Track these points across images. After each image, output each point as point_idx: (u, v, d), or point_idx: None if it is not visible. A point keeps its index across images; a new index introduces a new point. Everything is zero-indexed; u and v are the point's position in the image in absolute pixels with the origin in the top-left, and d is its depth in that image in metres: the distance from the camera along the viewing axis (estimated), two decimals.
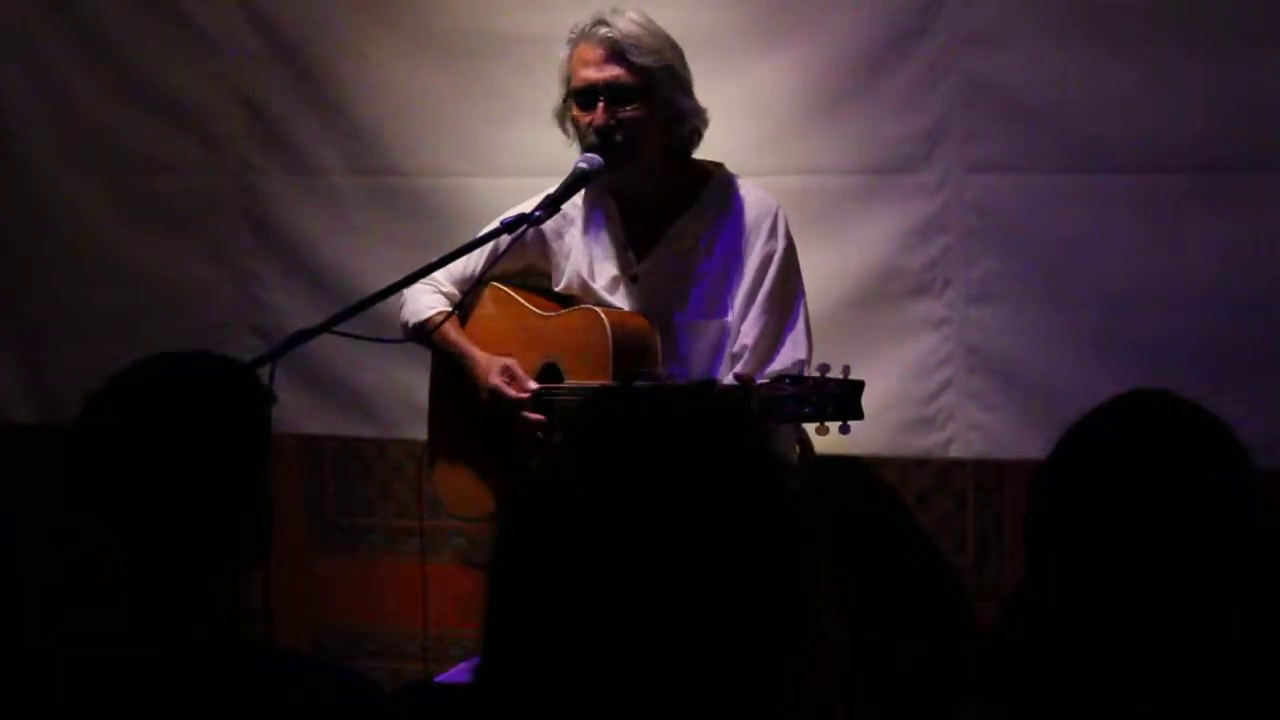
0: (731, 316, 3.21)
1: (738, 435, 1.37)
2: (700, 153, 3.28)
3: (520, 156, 3.80)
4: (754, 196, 3.24)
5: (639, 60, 3.15)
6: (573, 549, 1.30)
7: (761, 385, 2.93)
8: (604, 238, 3.32)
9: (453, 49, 3.96)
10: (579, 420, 1.40)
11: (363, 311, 3.05)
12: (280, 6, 4.10)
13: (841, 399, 2.89)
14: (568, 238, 3.35)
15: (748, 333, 3.18)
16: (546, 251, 3.36)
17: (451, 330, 3.33)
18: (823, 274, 3.47)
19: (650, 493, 1.30)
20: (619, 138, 3.16)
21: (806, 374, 2.94)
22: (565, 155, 3.24)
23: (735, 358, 3.18)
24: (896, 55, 3.65)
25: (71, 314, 4.29)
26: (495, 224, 3.20)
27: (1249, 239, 3.49)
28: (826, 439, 2.96)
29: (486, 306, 3.41)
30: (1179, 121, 3.50)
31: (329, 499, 4.25)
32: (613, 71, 3.16)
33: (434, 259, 3.18)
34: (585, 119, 3.18)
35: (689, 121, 3.21)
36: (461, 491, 3.40)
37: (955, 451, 3.70)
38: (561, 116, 3.25)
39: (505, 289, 3.40)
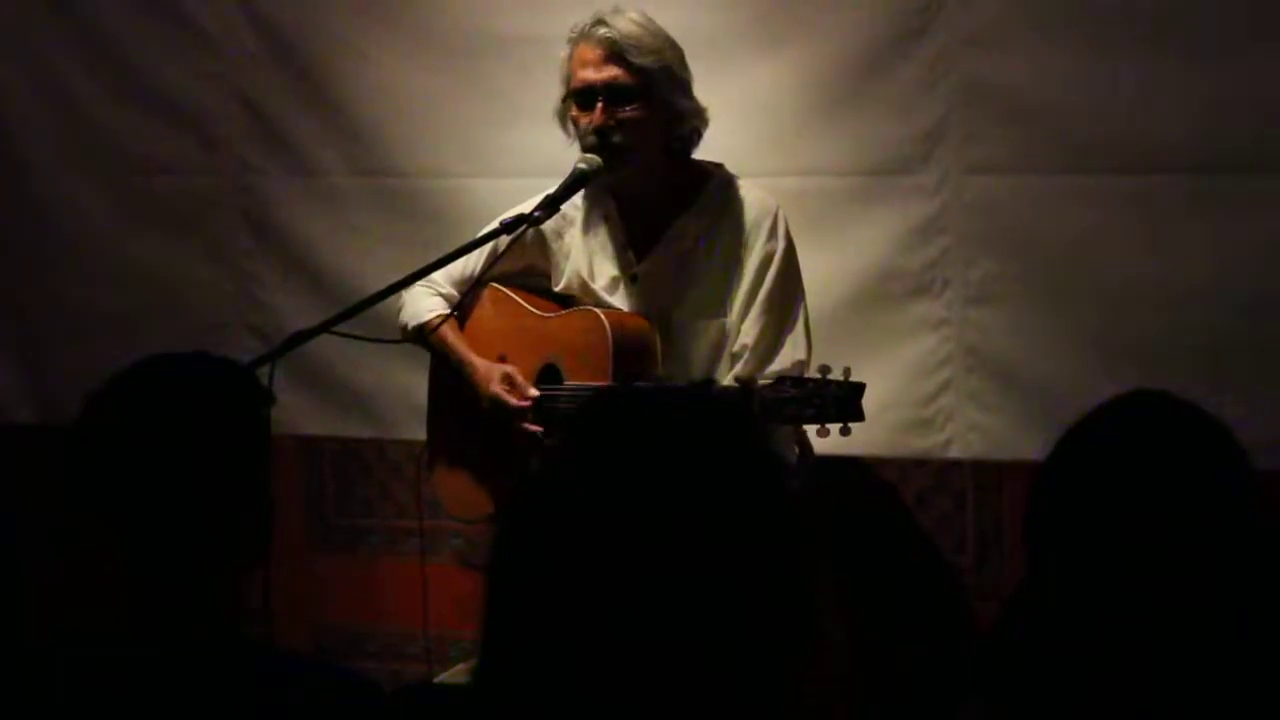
0: (731, 317, 3.21)
1: (738, 435, 1.37)
2: (700, 153, 3.28)
3: (520, 157, 3.80)
4: (754, 197, 3.24)
5: (638, 61, 3.14)
6: (572, 549, 1.30)
7: (763, 387, 2.93)
8: (604, 238, 3.32)
9: (453, 49, 3.96)
10: (579, 420, 1.40)
11: (362, 312, 3.05)
12: (280, 6, 4.10)
13: (843, 401, 2.89)
14: (567, 238, 3.35)
15: (747, 333, 3.18)
16: (546, 252, 3.37)
17: (450, 334, 3.34)
18: (822, 275, 3.47)
19: (650, 493, 1.30)
20: (617, 138, 3.16)
21: (807, 375, 2.94)
22: (565, 156, 3.24)
23: (735, 358, 3.18)
24: (896, 56, 3.65)
25: (71, 314, 4.29)
26: (494, 225, 3.20)
27: (1248, 240, 3.49)
28: (826, 440, 2.96)
29: (486, 307, 3.41)
30: (1179, 121, 3.50)
31: (329, 499, 4.25)
32: (611, 72, 3.16)
33: (433, 259, 3.18)
34: (584, 119, 3.18)
35: (689, 122, 3.21)
36: (460, 493, 3.40)
37: (954, 452, 3.69)
38: (562, 116, 3.25)
39: (504, 290, 3.40)
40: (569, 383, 3.24)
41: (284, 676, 1.86)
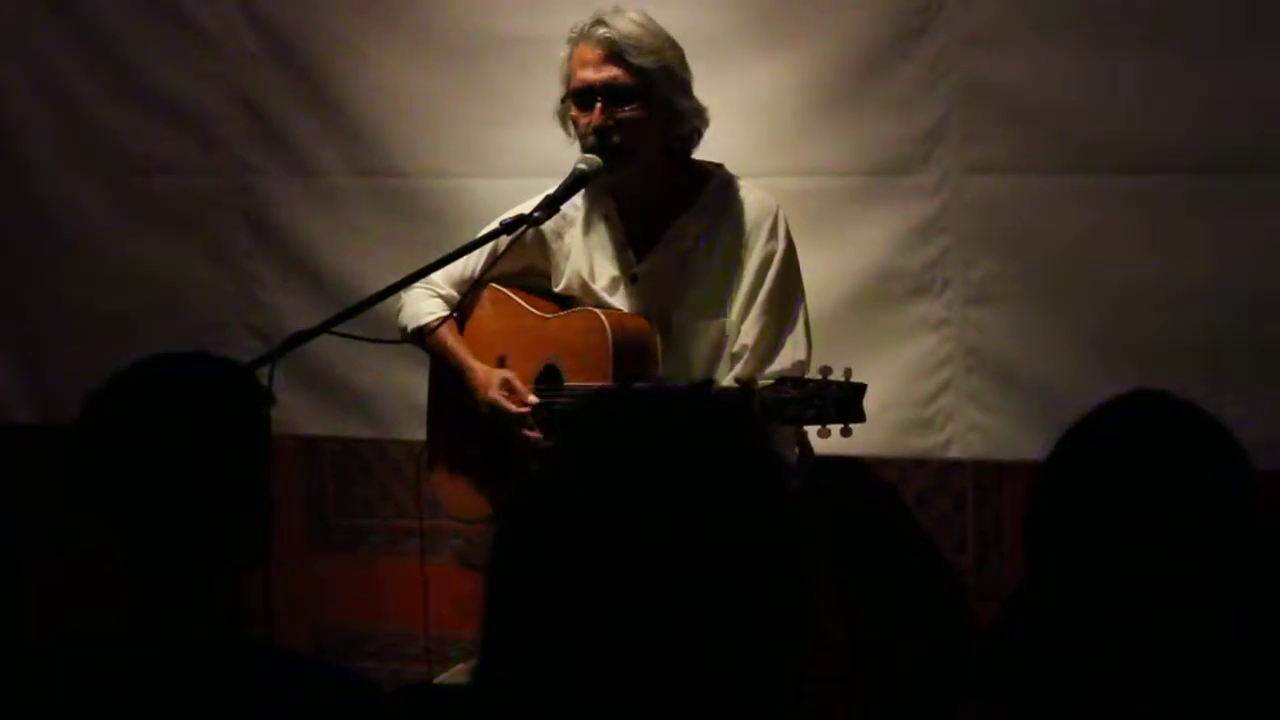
0: (731, 317, 3.21)
1: (738, 435, 1.37)
2: (700, 153, 3.28)
3: (520, 157, 3.80)
4: (754, 197, 3.24)
5: (637, 61, 3.14)
6: (572, 549, 1.30)
7: (764, 388, 2.93)
8: (604, 238, 3.32)
9: (453, 49, 3.96)
10: (579, 421, 1.40)
11: (362, 312, 3.05)
12: (280, 6, 4.10)
13: (844, 402, 2.89)
14: (567, 238, 3.34)
15: (747, 333, 3.18)
16: (546, 252, 3.36)
17: (449, 337, 3.33)
18: (822, 275, 3.47)
19: (650, 493, 1.30)
20: (617, 138, 3.15)
21: (807, 376, 2.94)
22: (565, 156, 3.24)
23: (735, 358, 3.18)
24: (896, 56, 3.65)
25: (71, 314, 4.29)
26: (494, 225, 3.20)
27: (1248, 240, 3.49)
28: (826, 440, 2.96)
29: (486, 308, 3.41)
30: (1179, 121, 3.50)
31: (329, 499, 4.25)
32: (611, 72, 3.15)
33: (433, 260, 3.18)
34: (584, 119, 3.18)
35: (688, 122, 3.21)
36: (459, 493, 3.40)
37: (954, 452, 3.69)
38: (562, 117, 3.25)
39: (504, 290, 3.39)
40: (569, 384, 3.23)
41: (284, 676, 1.86)
